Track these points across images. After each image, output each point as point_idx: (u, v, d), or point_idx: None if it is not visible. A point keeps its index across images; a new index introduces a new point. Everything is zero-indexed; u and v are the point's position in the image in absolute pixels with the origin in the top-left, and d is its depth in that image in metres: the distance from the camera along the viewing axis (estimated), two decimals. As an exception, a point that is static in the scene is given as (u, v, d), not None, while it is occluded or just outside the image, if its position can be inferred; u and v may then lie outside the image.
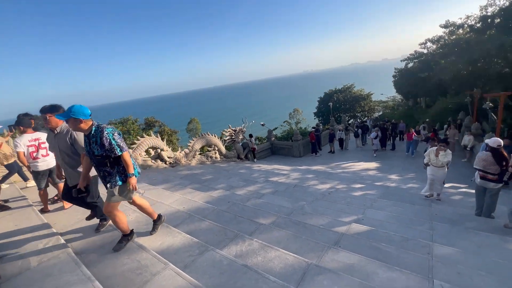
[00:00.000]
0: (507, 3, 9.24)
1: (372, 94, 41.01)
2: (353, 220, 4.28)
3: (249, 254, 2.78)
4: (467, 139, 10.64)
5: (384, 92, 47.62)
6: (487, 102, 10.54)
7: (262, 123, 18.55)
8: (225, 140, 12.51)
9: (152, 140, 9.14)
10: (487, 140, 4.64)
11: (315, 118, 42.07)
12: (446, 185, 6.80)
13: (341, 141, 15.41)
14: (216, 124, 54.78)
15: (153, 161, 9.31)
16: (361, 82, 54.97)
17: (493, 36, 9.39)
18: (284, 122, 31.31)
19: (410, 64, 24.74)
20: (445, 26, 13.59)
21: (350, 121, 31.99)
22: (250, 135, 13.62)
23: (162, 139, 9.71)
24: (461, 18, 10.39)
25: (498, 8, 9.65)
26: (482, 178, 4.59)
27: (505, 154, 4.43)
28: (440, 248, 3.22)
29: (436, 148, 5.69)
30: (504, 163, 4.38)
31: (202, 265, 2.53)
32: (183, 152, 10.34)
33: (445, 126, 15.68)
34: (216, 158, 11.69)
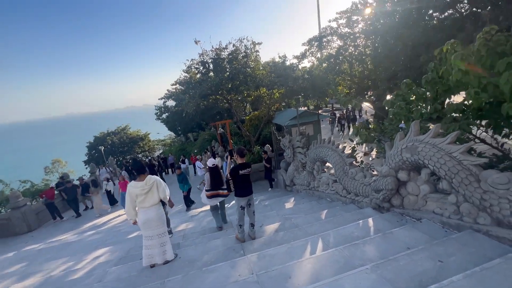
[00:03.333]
0: (215, 55, 12.07)
1: (149, 134, 41.32)
2: None
3: None
4: (216, 161, 12.47)
5: (161, 131, 49.97)
6: (220, 129, 13.32)
7: None
8: None
9: None
10: (207, 162, 5.13)
11: (86, 167, 33.76)
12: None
13: (108, 193, 12.08)
14: None
15: None
16: (137, 124, 54.06)
17: (211, 77, 11.81)
18: (25, 181, 21.12)
19: (168, 103, 27.55)
20: (187, 72, 15.21)
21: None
22: None
23: None
24: (188, 60, 12.18)
25: (210, 57, 12.33)
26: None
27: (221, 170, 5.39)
28: None
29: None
30: (220, 177, 5.20)
31: None
32: None
33: (203, 153, 18.24)
34: None
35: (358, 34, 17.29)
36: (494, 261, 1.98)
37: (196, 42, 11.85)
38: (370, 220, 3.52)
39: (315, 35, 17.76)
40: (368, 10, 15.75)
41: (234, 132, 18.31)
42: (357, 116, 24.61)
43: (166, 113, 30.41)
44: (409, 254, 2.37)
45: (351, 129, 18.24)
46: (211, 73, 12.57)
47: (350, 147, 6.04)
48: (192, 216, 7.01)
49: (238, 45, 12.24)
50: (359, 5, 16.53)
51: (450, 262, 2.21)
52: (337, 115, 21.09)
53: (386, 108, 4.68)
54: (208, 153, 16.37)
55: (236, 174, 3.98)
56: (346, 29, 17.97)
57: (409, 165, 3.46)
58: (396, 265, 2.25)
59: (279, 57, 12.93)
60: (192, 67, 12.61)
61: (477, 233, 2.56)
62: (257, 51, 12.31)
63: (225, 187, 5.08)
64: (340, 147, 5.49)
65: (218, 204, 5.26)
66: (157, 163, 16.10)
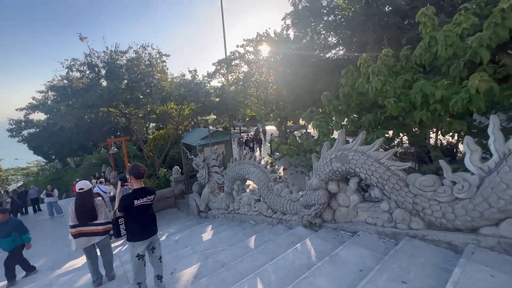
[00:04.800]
0: (108, 58, 9.86)
1: (1, 160, 29.62)
2: None
3: None
4: (106, 188, 9.73)
5: (23, 157, 37.09)
6: (113, 148, 10.74)
7: None
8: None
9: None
10: (76, 185, 3.54)
11: None
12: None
13: None
14: None
15: None
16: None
17: (103, 85, 9.46)
18: None
19: (33, 115, 20.45)
20: (65, 76, 11.82)
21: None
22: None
23: None
24: (67, 60, 9.33)
25: (103, 61, 9.97)
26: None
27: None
28: None
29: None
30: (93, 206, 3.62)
31: None
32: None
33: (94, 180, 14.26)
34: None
35: (262, 62, 18.96)
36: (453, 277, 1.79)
37: (81, 39, 9.33)
38: (308, 242, 3.07)
39: (224, 58, 18.23)
40: (266, 49, 17.52)
41: (133, 155, 15.42)
42: (263, 139, 26.37)
43: (30, 130, 21.89)
44: (370, 281, 1.95)
45: (258, 151, 19.17)
46: (103, 80, 10.13)
47: (268, 162, 5.77)
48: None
49: (141, 52, 10.56)
50: (263, 37, 18.32)
51: (412, 280, 1.92)
52: (245, 138, 21.68)
53: (304, 123, 4.72)
54: (101, 179, 12.81)
55: (129, 206, 2.70)
56: (252, 56, 19.43)
57: (339, 175, 3.31)
58: (363, 301, 1.76)
59: (189, 71, 12.07)
60: (74, 68, 9.70)
61: (414, 239, 2.49)
62: (164, 61, 10.98)
63: (100, 220, 3.52)
64: (262, 162, 5.09)
65: (95, 246, 3.59)
66: (9, 200, 10.91)
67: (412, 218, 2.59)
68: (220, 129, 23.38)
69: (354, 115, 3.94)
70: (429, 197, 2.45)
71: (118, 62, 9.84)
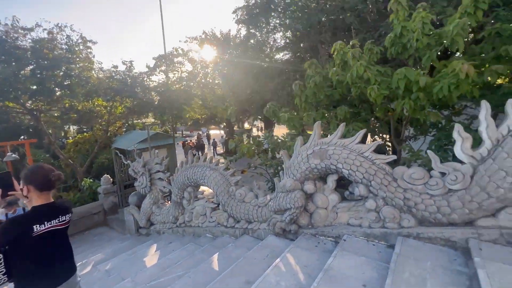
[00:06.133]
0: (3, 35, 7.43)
1: None
2: None
3: None
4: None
5: None
6: (9, 154, 8.14)
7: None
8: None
9: None
10: None
11: None
12: None
13: None
14: None
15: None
16: None
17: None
18: None
19: None
20: None
21: None
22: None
23: None
24: None
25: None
26: None
27: None
28: None
29: None
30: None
31: None
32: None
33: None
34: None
35: (208, 63, 18.08)
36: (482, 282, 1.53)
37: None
38: (288, 255, 2.54)
39: (165, 53, 16.54)
40: (212, 49, 16.79)
41: (45, 162, 12.25)
42: (206, 144, 25.23)
43: None
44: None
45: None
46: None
47: (228, 164, 5.11)
48: None
49: (55, 32, 8.36)
50: (208, 36, 17.46)
51: (433, 293, 1.59)
52: (186, 143, 20.20)
53: (250, 126, 4.28)
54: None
55: (22, 237, 1.67)
56: (197, 55, 18.32)
57: (317, 173, 2.93)
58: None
59: (124, 63, 10.16)
60: None
61: (408, 239, 2.25)
62: (89, 47, 8.94)
63: None
64: (221, 164, 4.39)
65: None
66: None
67: (403, 215, 2.36)
68: (160, 131, 21.20)
69: (323, 110, 3.68)
70: (420, 190, 2.26)
71: (19, 42, 7.49)
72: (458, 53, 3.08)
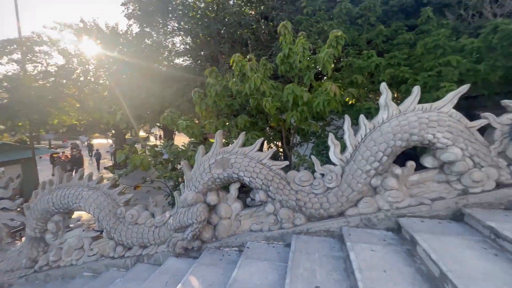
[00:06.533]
0: None
1: None
2: None
3: None
4: None
5: None
6: None
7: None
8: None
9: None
10: None
11: None
12: None
13: None
14: None
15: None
16: None
17: None
18: None
19: None
20: None
21: None
22: None
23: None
24: None
25: None
26: None
27: None
28: None
29: None
30: None
31: None
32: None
33: None
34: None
35: (89, 58, 14.99)
36: (354, 263, 1.87)
37: None
38: (191, 277, 2.30)
39: (20, 37, 12.27)
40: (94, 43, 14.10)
41: None
42: (87, 157, 20.87)
43: None
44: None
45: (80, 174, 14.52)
46: None
47: (116, 179, 4.24)
48: None
49: None
50: (88, 26, 14.48)
51: (322, 281, 1.81)
52: (57, 156, 15.51)
53: (146, 135, 3.88)
54: None
55: None
56: (73, 48, 14.83)
57: (219, 183, 2.86)
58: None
59: None
60: None
61: (300, 235, 2.52)
62: None
63: None
64: (104, 181, 3.58)
65: None
66: None
67: (295, 214, 2.64)
68: (10, 142, 15.44)
69: (224, 119, 3.71)
70: (307, 191, 2.60)
71: None
72: (325, 77, 3.89)
